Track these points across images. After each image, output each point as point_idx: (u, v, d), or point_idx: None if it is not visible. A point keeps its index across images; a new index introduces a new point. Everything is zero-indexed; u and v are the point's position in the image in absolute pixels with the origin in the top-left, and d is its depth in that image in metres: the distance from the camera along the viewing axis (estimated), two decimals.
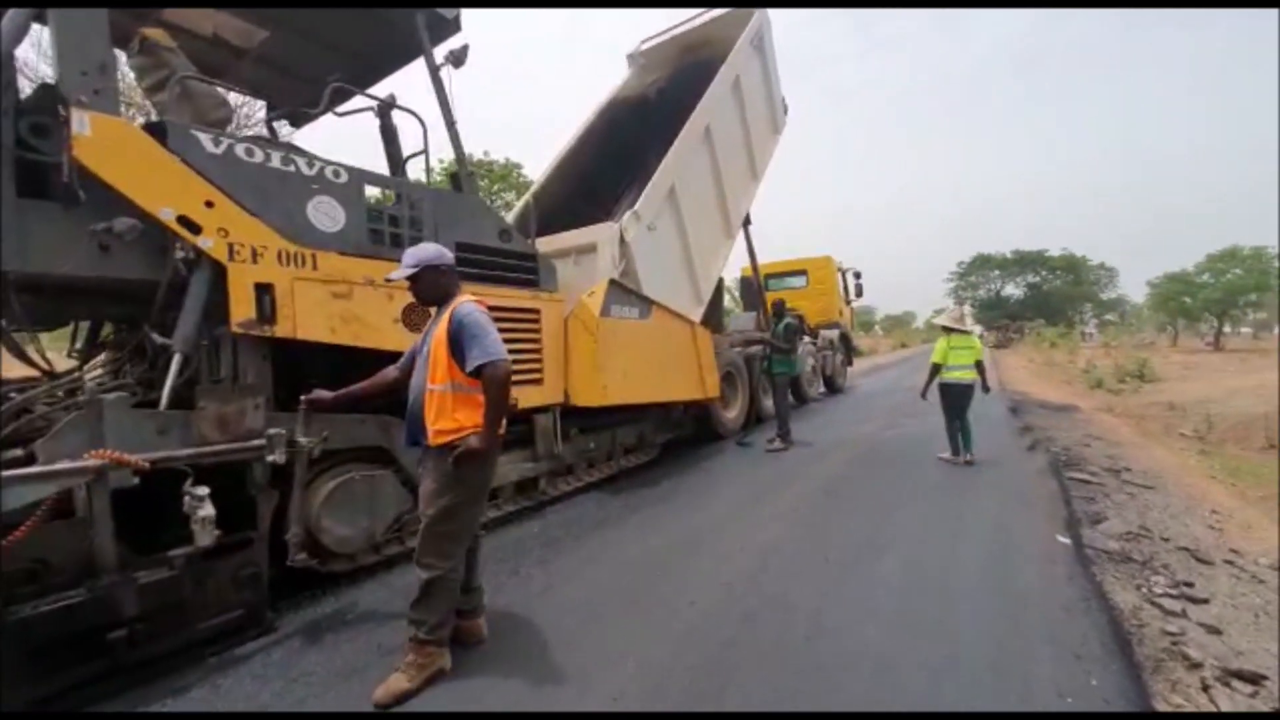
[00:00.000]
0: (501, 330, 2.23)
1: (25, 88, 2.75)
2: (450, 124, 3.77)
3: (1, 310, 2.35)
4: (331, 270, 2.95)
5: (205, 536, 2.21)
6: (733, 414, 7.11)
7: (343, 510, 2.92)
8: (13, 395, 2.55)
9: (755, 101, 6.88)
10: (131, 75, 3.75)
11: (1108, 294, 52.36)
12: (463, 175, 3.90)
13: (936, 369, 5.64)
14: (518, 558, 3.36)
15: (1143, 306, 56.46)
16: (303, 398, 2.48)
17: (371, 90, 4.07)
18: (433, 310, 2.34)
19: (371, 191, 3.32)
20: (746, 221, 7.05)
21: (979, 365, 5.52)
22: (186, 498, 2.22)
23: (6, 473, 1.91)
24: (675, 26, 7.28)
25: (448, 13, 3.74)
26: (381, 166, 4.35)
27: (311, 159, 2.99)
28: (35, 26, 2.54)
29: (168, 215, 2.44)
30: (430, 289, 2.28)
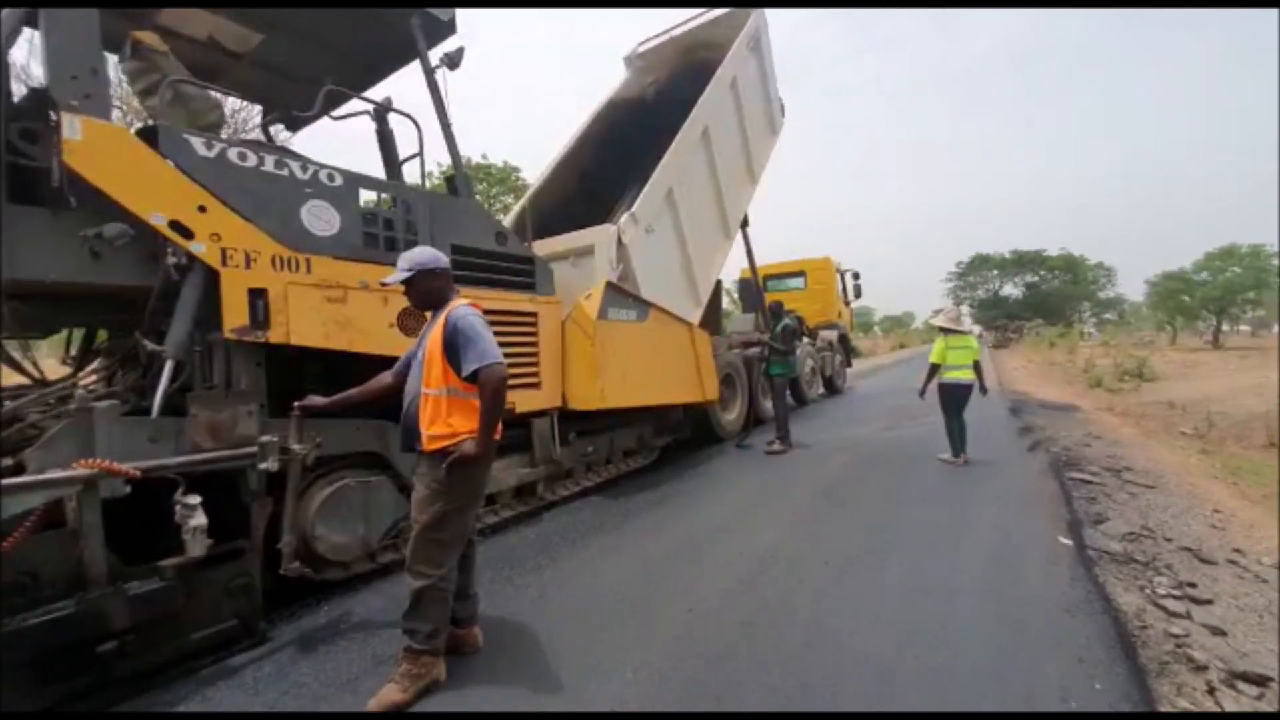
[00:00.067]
0: (498, 334, 2.21)
1: (20, 92, 2.72)
2: (445, 126, 3.76)
3: None
4: (326, 275, 2.93)
5: (197, 546, 2.18)
6: (732, 416, 7.08)
7: (337, 517, 2.90)
8: (4, 403, 2.52)
9: (752, 103, 6.88)
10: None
11: (1106, 293, 52.41)
12: (459, 178, 3.88)
13: (935, 369, 5.64)
14: (514, 564, 3.33)
15: (1141, 305, 56.54)
16: (296, 404, 2.45)
17: (368, 94, 4.06)
18: (428, 314, 2.31)
19: (368, 195, 3.30)
20: (744, 223, 7.04)
21: (976, 366, 5.51)
22: (178, 507, 2.19)
23: None
24: (672, 28, 7.28)
25: (442, 14, 3.73)
26: (380, 169, 4.34)
27: (306, 163, 2.96)
28: (28, 31, 2.52)
29: (159, 220, 2.41)
30: (425, 293, 2.26)
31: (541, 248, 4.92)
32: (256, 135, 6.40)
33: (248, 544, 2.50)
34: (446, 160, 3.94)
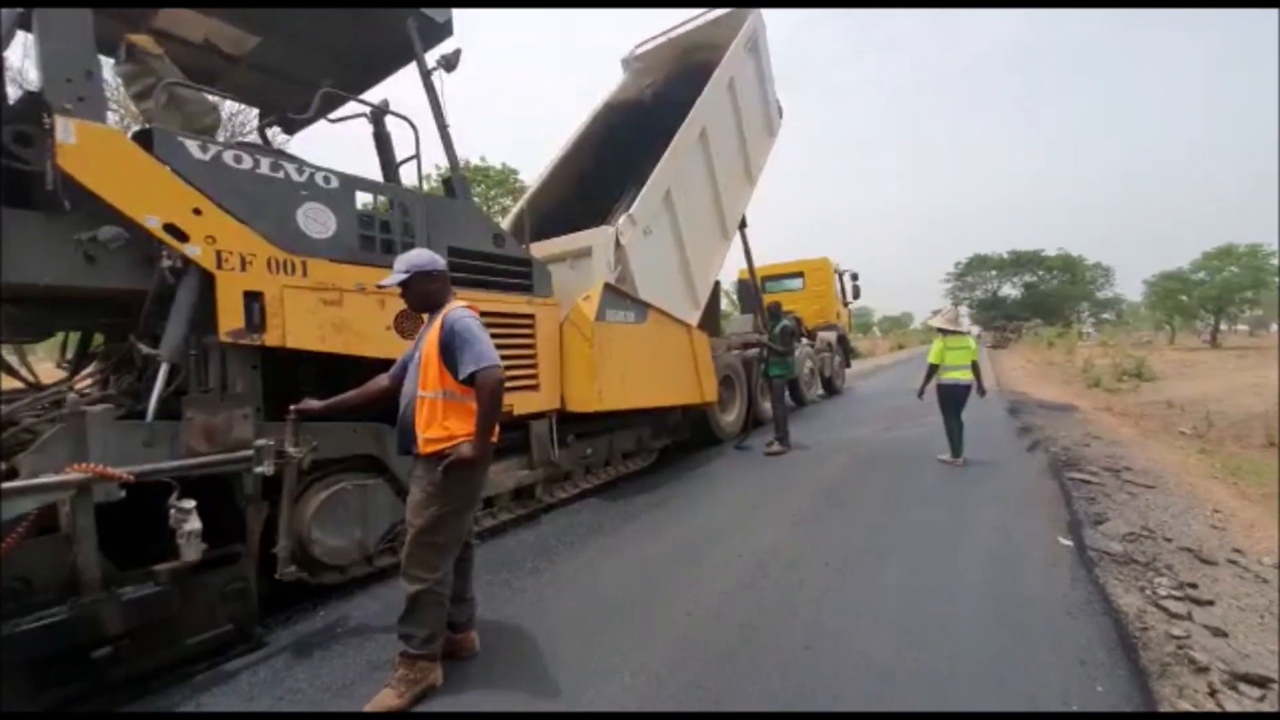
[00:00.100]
0: (496, 336, 2.20)
1: (15, 95, 2.71)
2: (442, 128, 3.75)
3: None
4: (322, 277, 2.91)
5: (191, 551, 2.17)
6: (731, 417, 7.07)
7: (334, 521, 2.88)
8: None
9: (750, 104, 6.88)
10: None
11: (1104, 293, 52.47)
12: (456, 180, 3.88)
13: (934, 369, 5.64)
14: (511, 567, 3.31)
15: (1139, 305, 56.62)
16: (291, 407, 2.44)
17: (365, 96, 4.05)
18: (425, 317, 2.30)
19: (365, 198, 3.29)
20: (743, 224, 7.04)
21: (974, 366, 5.51)
22: (172, 511, 2.17)
23: None
24: (670, 30, 7.28)
25: (438, 15, 3.72)
26: (378, 172, 4.33)
27: (301, 165, 2.95)
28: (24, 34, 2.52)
29: (154, 223, 2.40)
30: (422, 295, 2.25)
31: (539, 250, 4.91)
32: (254, 138, 6.40)
33: (243, 548, 2.48)
34: (444, 163, 3.92)
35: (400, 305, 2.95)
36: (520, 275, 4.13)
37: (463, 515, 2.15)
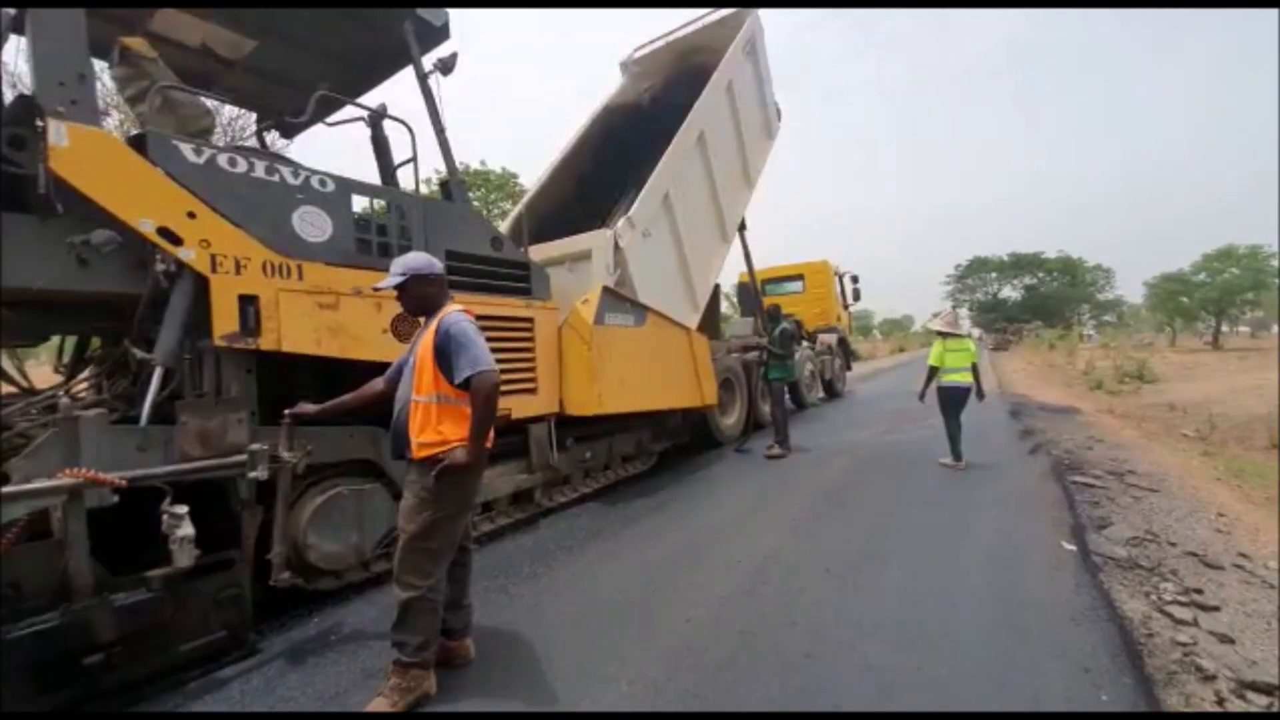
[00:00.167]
0: (494, 340, 2.18)
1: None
2: (439, 131, 3.74)
3: None
4: (318, 281, 2.90)
5: (184, 556, 2.14)
6: (731, 421, 7.04)
7: (331, 526, 2.86)
8: None
9: (748, 107, 6.88)
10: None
11: (1105, 295, 52.45)
12: (453, 183, 3.87)
13: (934, 372, 5.62)
14: (509, 573, 3.29)
15: (1140, 307, 56.55)
16: (286, 412, 2.42)
17: (364, 100, 4.05)
18: (422, 320, 2.28)
19: (363, 201, 3.28)
20: (742, 226, 7.03)
21: (974, 369, 5.49)
22: (165, 516, 2.15)
23: None
24: (668, 34, 7.30)
25: (435, 18, 3.72)
26: (378, 174, 4.32)
27: (297, 168, 2.94)
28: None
29: (147, 227, 2.39)
30: (418, 299, 2.23)
31: (538, 253, 4.90)
32: (254, 143, 6.40)
33: (238, 554, 2.46)
34: (443, 166, 3.91)
35: (397, 308, 2.92)
36: (518, 278, 4.11)
37: (456, 521, 2.12)
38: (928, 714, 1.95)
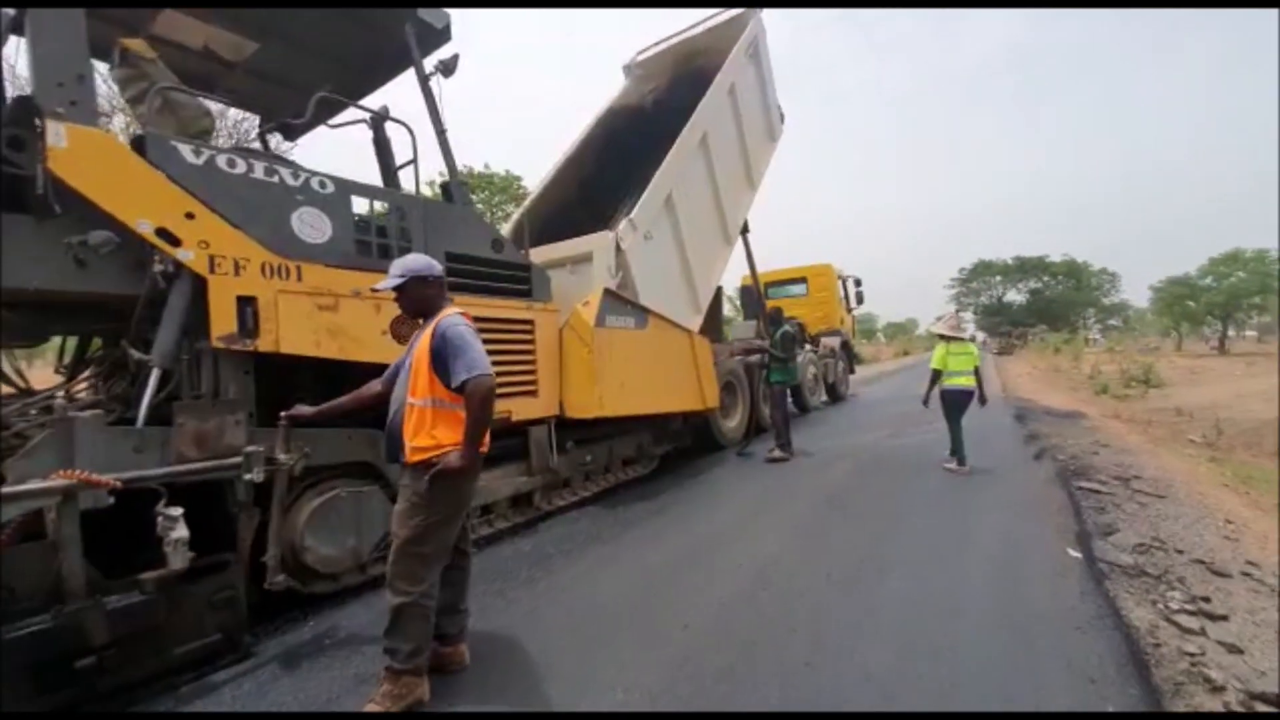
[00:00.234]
0: (494, 342, 2.16)
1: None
2: (440, 133, 3.74)
3: None
4: (317, 282, 2.89)
5: (178, 559, 2.13)
6: (733, 424, 7.01)
7: (327, 528, 2.84)
8: None
9: (751, 109, 6.87)
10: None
11: (1110, 299, 52.21)
12: (454, 185, 3.86)
13: (937, 375, 5.58)
14: (506, 577, 3.26)
15: (1146, 311, 56.24)
16: (282, 414, 2.40)
17: (365, 102, 4.05)
18: (420, 322, 2.27)
19: (363, 202, 3.27)
20: (745, 229, 7.01)
21: (977, 372, 5.45)
22: (160, 518, 2.14)
23: None
24: (670, 37, 7.30)
25: (436, 20, 3.72)
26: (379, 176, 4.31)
27: (297, 169, 2.94)
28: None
29: (146, 228, 2.38)
30: (417, 301, 2.22)
31: (540, 255, 4.89)
32: (257, 145, 6.42)
33: (233, 556, 2.44)
34: (445, 168, 3.91)
35: (396, 310, 2.91)
36: (519, 280, 4.10)
37: (449, 526, 2.10)
38: (927, 714, 1.93)
